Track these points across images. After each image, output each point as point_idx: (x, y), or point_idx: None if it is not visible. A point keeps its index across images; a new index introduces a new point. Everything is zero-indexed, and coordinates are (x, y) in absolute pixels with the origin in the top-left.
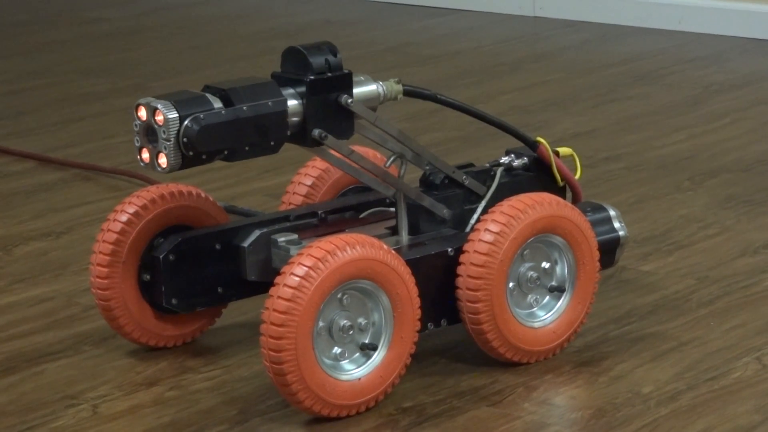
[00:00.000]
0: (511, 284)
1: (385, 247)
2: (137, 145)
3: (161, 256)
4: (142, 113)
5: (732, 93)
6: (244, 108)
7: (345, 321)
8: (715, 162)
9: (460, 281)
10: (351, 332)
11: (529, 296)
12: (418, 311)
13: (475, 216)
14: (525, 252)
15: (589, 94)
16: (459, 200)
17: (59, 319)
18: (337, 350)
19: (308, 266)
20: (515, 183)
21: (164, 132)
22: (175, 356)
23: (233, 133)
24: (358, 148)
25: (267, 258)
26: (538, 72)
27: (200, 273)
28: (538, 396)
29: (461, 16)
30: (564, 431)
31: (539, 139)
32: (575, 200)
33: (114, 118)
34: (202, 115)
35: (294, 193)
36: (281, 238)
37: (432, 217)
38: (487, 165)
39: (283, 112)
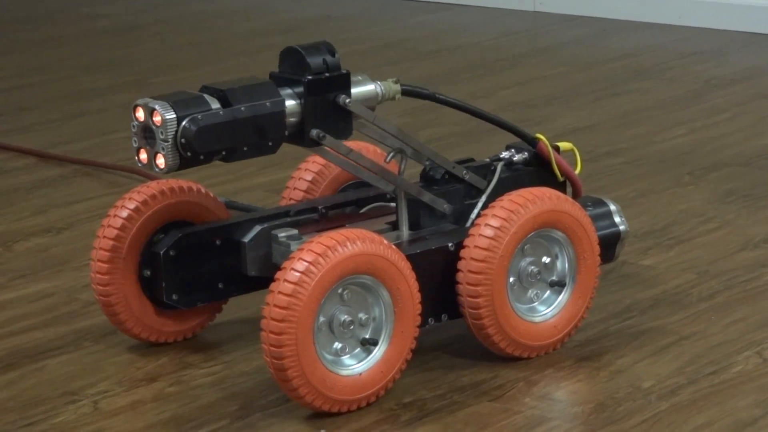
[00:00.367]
0: (511, 279)
1: (385, 242)
2: (135, 145)
3: (162, 252)
4: (140, 114)
5: (732, 87)
6: (242, 108)
7: (345, 316)
8: (716, 156)
9: (460, 276)
10: (351, 327)
11: (530, 291)
12: (419, 306)
13: (476, 211)
14: (525, 247)
15: (589, 88)
16: (459, 195)
17: (60, 315)
18: (337, 345)
19: (309, 261)
20: (515, 178)
21: (162, 133)
22: (175, 352)
23: (231, 134)
24: (359, 144)
25: (267, 253)
26: (538, 67)
27: (200, 268)
28: (539, 391)
29: (461, 11)
30: (565, 426)
31: (538, 135)
32: (575, 195)
33: (114, 114)
34: (199, 116)
35: (294, 188)
36: (281, 234)
37: (432, 212)
38: (488, 160)
39: (281, 113)
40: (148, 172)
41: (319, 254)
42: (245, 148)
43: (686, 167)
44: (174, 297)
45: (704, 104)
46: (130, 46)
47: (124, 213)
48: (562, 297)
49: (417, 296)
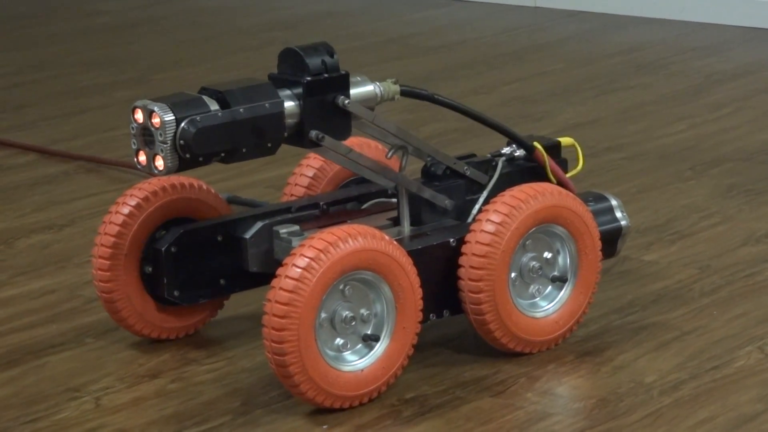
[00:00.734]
0: (513, 274)
1: (387, 238)
2: (134, 147)
3: (163, 249)
4: (139, 116)
5: (734, 82)
6: (241, 110)
7: (347, 312)
8: (717, 151)
9: (462, 272)
10: (353, 323)
11: (532, 286)
12: (420, 302)
13: (477, 206)
14: (527, 242)
15: (590, 84)
16: (461, 191)
17: (61, 311)
18: (339, 341)
19: (310, 257)
20: (517, 173)
21: (161, 135)
22: (177, 348)
23: (230, 135)
24: (360, 140)
25: (269, 249)
26: (539, 62)
27: (202, 265)
28: (541, 386)
29: (462, 6)
30: (567, 421)
31: (535, 143)
32: None
33: (115, 110)
34: (198, 118)
35: (296, 184)
36: (283, 230)
37: (434, 208)
38: (489, 155)
39: (280, 114)
40: None
41: (320, 250)
42: (244, 150)
43: (688, 162)
44: (176, 293)
45: (706, 99)
46: (130, 43)
47: (126, 210)
48: (564, 292)
49: (418, 292)
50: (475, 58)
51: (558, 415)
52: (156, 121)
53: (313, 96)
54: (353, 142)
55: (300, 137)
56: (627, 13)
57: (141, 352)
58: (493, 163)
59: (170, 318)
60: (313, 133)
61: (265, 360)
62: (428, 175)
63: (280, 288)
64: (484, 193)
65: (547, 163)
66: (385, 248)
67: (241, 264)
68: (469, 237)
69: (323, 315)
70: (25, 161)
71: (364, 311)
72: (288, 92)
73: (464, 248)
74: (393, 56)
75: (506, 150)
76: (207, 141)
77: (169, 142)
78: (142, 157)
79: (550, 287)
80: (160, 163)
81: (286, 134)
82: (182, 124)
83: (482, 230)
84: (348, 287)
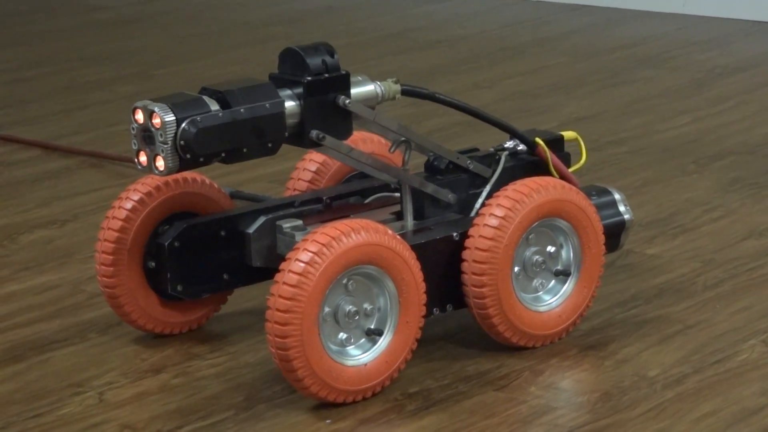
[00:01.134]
0: (516, 268)
1: (390, 232)
2: (135, 148)
3: (166, 243)
4: (139, 116)
5: (736, 76)
6: (242, 110)
7: (350, 306)
8: (720, 145)
9: (465, 266)
10: (357, 318)
11: (535, 280)
12: (424, 296)
13: (480, 200)
14: (530, 236)
15: (593, 78)
16: (464, 185)
17: (65, 306)
18: (342, 336)
19: (313, 252)
20: (520, 167)
21: (161, 135)
22: (180, 343)
23: (230, 136)
24: (363, 134)
25: (272, 244)
26: (541, 57)
27: (205, 260)
28: (544, 380)
29: (464, 1)
30: (570, 415)
31: (537, 139)
32: None
33: (118, 105)
34: (199, 118)
35: (298, 179)
36: (286, 224)
37: (437, 202)
38: (492, 149)
39: (281, 114)
40: None
41: (323, 245)
42: (245, 150)
43: (691, 156)
44: (179, 288)
45: (708, 93)
46: (133, 38)
47: (129, 205)
48: (567, 286)
49: (422, 286)
50: (477, 52)
51: (561, 408)
52: (156, 121)
53: (314, 96)
54: (356, 136)
55: (301, 137)
56: (629, 7)
57: (144, 347)
58: (496, 157)
59: (173, 313)
60: (314, 133)
61: (269, 355)
62: (431, 170)
63: (284, 283)
64: (487, 187)
65: (550, 159)
66: (388, 243)
67: (244, 259)
68: (472, 231)
69: (326, 309)
70: (27, 157)
71: (367, 306)
72: (289, 92)
73: (467, 242)
74: (394, 51)
75: (509, 144)
76: (208, 141)
77: (169, 142)
78: (143, 158)
79: (553, 281)
80: (160, 163)
81: (286, 134)
82: (183, 125)
83: (485, 224)
84: (351, 282)
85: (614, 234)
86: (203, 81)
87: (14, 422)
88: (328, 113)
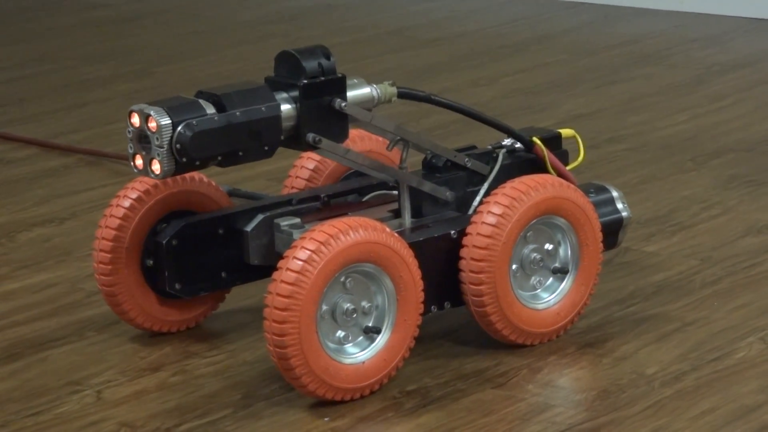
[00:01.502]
0: (514, 266)
1: (387, 230)
2: (131, 151)
3: (164, 242)
4: (135, 120)
5: (734, 73)
6: (238, 113)
7: (348, 304)
8: (718, 142)
9: (463, 263)
10: (354, 315)
11: (533, 278)
12: (422, 294)
13: (478, 198)
14: (528, 234)
15: (591, 75)
16: (462, 182)
17: (63, 305)
18: (340, 334)
19: (311, 250)
20: (518, 165)
21: (157, 138)
22: (178, 341)
23: (226, 139)
24: (361, 132)
25: (270, 242)
26: (540, 54)
27: (203, 258)
28: (543, 378)
29: None
30: (568, 413)
31: (534, 138)
32: None
33: (117, 103)
34: (195, 122)
35: (296, 177)
36: (284, 222)
37: (435, 200)
38: (490, 147)
39: (277, 117)
40: None
41: (321, 243)
42: (241, 153)
43: (689, 153)
44: (177, 286)
45: (707, 90)
46: (132, 36)
47: (127, 203)
48: (565, 284)
49: (420, 284)
50: (476, 49)
51: (559, 406)
52: (152, 125)
53: (310, 99)
54: (353, 133)
55: (297, 140)
56: (628, 5)
57: (142, 346)
58: (494, 155)
59: (171, 311)
60: (310, 136)
61: (267, 353)
62: (429, 167)
63: (282, 280)
64: (485, 185)
65: (547, 159)
66: (386, 240)
67: (242, 257)
68: (470, 229)
69: (324, 307)
70: (26, 155)
71: (365, 303)
72: (285, 95)
73: (465, 240)
74: (394, 48)
75: (507, 141)
76: (204, 145)
77: (165, 146)
78: (139, 161)
79: (551, 279)
80: (156, 167)
81: (282, 137)
82: (179, 128)
83: (483, 222)
84: (349, 279)
85: (612, 231)
86: (202, 79)
87: (12, 420)
88: (324, 116)
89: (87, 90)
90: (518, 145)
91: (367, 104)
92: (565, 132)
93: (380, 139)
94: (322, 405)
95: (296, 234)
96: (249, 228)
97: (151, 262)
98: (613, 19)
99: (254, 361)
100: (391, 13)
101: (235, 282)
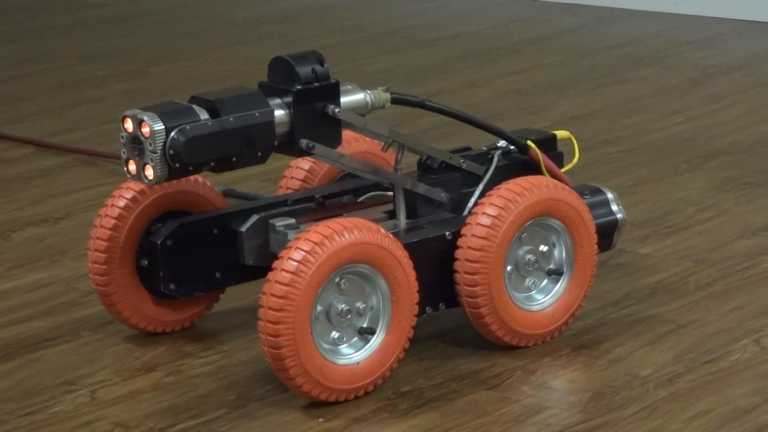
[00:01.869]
0: (509, 268)
1: (382, 231)
2: (124, 156)
3: (159, 242)
4: (129, 125)
5: (730, 75)
6: (231, 119)
7: (343, 305)
8: (713, 144)
9: (458, 265)
10: (349, 316)
11: (527, 279)
12: (416, 295)
13: (473, 199)
14: (523, 235)
15: (587, 77)
16: (457, 184)
17: (57, 304)
18: (335, 334)
19: (306, 251)
20: (513, 166)
21: (151, 144)
22: (173, 341)
23: (220, 145)
24: (356, 134)
25: (265, 242)
26: (536, 55)
27: (198, 258)
28: (537, 379)
29: None
30: (562, 414)
31: (528, 142)
32: None
33: (112, 103)
34: (188, 127)
35: (291, 177)
36: (279, 223)
37: (430, 201)
38: (485, 148)
39: (270, 123)
40: None
41: (316, 243)
42: (234, 159)
43: (684, 155)
44: (171, 286)
45: (702, 92)
46: (128, 36)
47: (122, 203)
48: (560, 285)
49: (414, 285)
50: (471, 50)
51: (553, 408)
52: (146, 130)
53: (303, 105)
54: (348, 135)
55: (290, 146)
56: (623, 6)
57: (137, 346)
58: (489, 156)
59: (166, 311)
60: (304, 142)
61: (261, 353)
62: (424, 169)
63: (276, 281)
64: (480, 186)
65: (542, 162)
66: (381, 241)
67: (237, 257)
68: (465, 230)
69: (319, 308)
70: (21, 154)
71: (359, 304)
72: (278, 101)
73: (460, 241)
74: (390, 49)
75: (502, 143)
76: (197, 150)
77: (158, 151)
78: (132, 166)
79: (545, 280)
80: (149, 172)
81: (276, 143)
82: (172, 134)
83: (478, 223)
84: (344, 280)
85: (607, 233)
86: (198, 79)
87: (6, 420)
88: (317, 122)
89: (82, 89)
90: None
91: (361, 110)
92: (561, 133)
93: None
94: (317, 405)
95: (291, 234)
96: (244, 228)
97: (146, 262)
98: (609, 21)
99: (249, 362)
100: (388, 13)
101: (229, 282)
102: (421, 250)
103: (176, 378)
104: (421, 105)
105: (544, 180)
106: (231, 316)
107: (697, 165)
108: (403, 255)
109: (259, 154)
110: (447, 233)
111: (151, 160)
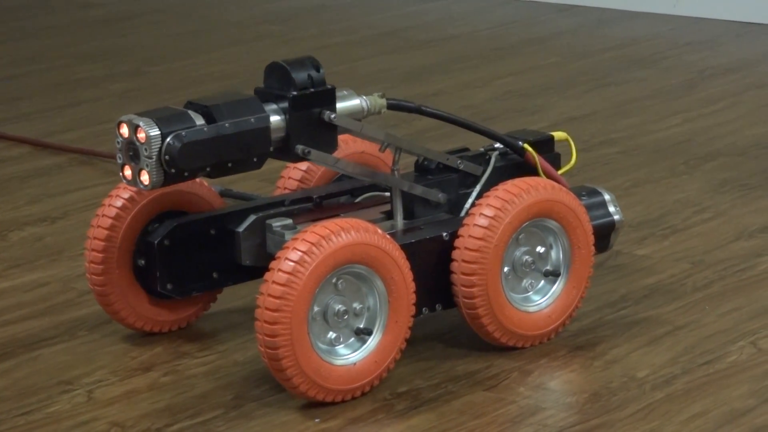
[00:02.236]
0: (506, 269)
1: (379, 231)
2: (119, 162)
3: (156, 242)
4: (124, 130)
5: (727, 77)
6: (227, 125)
7: (340, 306)
8: (711, 146)
9: (455, 266)
10: (346, 317)
11: (524, 281)
12: (413, 296)
13: (470, 200)
14: (520, 236)
15: (584, 78)
16: (454, 185)
17: (54, 304)
18: (332, 335)
19: (303, 251)
20: (510, 167)
21: (146, 149)
22: (170, 341)
23: (215, 150)
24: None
25: (262, 243)
26: (533, 56)
27: (195, 258)
28: (534, 380)
29: (456, 0)
30: (559, 415)
31: (525, 145)
32: None
33: (109, 103)
34: (183, 133)
35: (288, 177)
36: (276, 223)
37: (427, 202)
38: (482, 149)
39: (266, 129)
40: None
41: (313, 244)
42: (230, 164)
43: (681, 157)
44: (168, 287)
45: (699, 94)
46: (125, 35)
47: (119, 203)
48: (557, 287)
49: (411, 286)
50: (469, 51)
51: (550, 409)
52: (141, 136)
53: (299, 110)
54: (345, 135)
55: (286, 151)
56: (621, 8)
57: (134, 345)
58: (486, 157)
59: (163, 311)
60: (299, 148)
61: (258, 353)
62: (421, 170)
63: (273, 281)
64: (477, 188)
65: (539, 165)
66: (378, 242)
67: (234, 257)
68: (462, 231)
69: (316, 309)
70: (18, 153)
71: (356, 305)
72: (274, 106)
73: (457, 242)
74: (387, 50)
75: (499, 144)
76: (192, 156)
77: (154, 156)
78: (128, 172)
79: (542, 281)
80: (145, 177)
81: (272, 148)
82: (168, 139)
83: (475, 224)
84: (341, 281)
85: (604, 235)
86: (195, 79)
87: (2, 419)
88: (313, 127)
89: (79, 89)
90: None
91: (357, 116)
92: (558, 135)
93: None
94: (313, 406)
95: (288, 235)
96: (241, 228)
97: (143, 262)
98: (606, 22)
99: (245, 362)
100: (385, 14)
101: (226, 282)
102: (418, 250)
103: (173, 378)
104: (418, 110)
105: (542, 181)
106: (228, 317)
107: (695, 166)
108: (400, 256)
109: (255, 159)
110: (444, 234)
111: (147, 165)
